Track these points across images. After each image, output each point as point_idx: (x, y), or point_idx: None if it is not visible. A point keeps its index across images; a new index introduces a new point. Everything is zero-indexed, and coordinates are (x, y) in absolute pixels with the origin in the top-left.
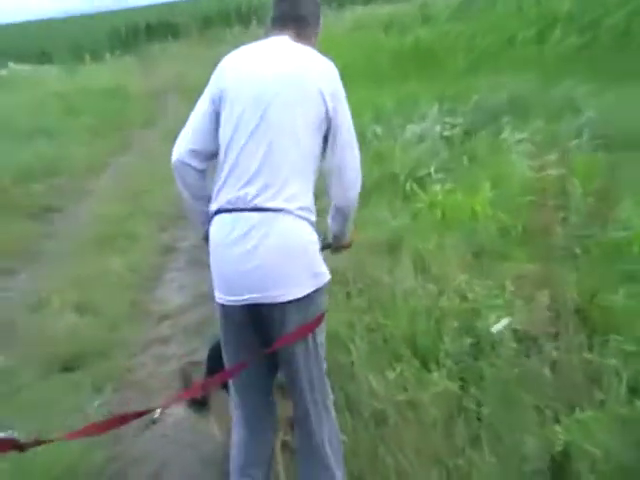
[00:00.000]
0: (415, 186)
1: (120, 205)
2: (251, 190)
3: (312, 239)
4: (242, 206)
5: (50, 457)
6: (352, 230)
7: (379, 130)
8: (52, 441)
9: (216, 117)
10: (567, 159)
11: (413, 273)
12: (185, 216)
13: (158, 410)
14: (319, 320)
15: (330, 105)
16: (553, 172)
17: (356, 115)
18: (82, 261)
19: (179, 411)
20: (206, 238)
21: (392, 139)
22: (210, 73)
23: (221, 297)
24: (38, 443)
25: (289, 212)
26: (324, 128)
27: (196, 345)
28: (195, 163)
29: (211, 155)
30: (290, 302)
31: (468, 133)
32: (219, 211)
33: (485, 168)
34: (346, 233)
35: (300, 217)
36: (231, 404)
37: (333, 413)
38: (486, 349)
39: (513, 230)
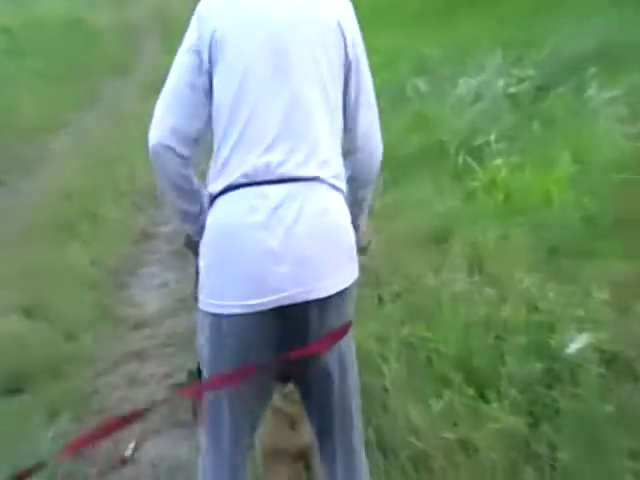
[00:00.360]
0: (469, 159)
1: (82, 177)
2: (274, 157)
3: (342, 208)
4: (264, 178)
5: None
6: (368, 224)
7: (422, 85)
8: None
9: (207, 76)
10: None
11: (466, 273)
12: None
13: (132, 443)
14: (350, 323)
15: (350, 42)
16: None
17: (389, 65)
18: (32, 251)
19: (160, 445)
20: (188, 244)
21: (439, 97)
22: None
23: (228, 304)
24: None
25: (323, 181)
26: (344, 73)
27: (180, 362)
28: (179, 147)
29: (199, 135)
30: (331, 297)
31: (541, 90)
32: (229, 188)
33: (563, 136)
34: (362, 225)
35: (335, 187)
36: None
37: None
38: (563, 375)
39: (602, 219)
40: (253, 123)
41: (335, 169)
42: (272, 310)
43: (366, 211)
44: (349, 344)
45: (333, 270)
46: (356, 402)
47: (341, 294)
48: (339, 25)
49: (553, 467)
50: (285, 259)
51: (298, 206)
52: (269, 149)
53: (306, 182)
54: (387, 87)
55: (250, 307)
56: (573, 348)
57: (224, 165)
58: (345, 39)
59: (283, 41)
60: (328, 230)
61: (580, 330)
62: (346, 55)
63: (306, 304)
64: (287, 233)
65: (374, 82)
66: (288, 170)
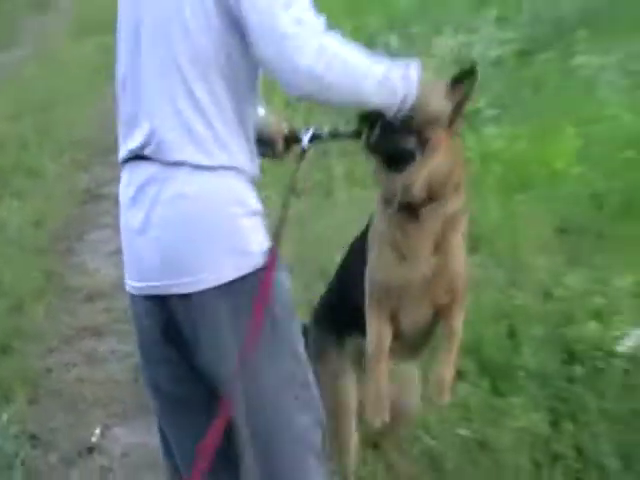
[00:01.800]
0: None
1: (12, 125)
2: (138, 136)
3: (233, 195)
4: (138, 153)
5: None
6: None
7: (394, 41)
8: None
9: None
10: None
11: (469, 254)
12: (115, 148)
13: (97, 430)
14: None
15: None
16: None
17: (356, 16)
18: None
19: (129, 432)
20: None
21: (413, 56)
22: None
23: (127, 282)
24: None
25: (186, 164)
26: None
27: None
28: None
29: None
30: (192, 296)
31: (524, 54)
32: (122, 162)
33: (559, 106)
34: (388, 96)
35: (207, 167)
36: None
37: None
38: (587, 370)
39: (611, 199)
40: (123, 98)
41: (218, 144)
42: (154, 297)
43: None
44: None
45: (194, 264)
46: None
47: (210, 296)
48: None
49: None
50: (148, 243)
51: (157, 190)
52: (134, 127)
53: (171, 167)
54: (354, 42)
55: (134, 289)
56: (624, 345)
57: (120, 138)
58: None
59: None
60: (191, 220)
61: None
62: None
63: (178, 298)
64: (146, 216)
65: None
66: (152, 152)
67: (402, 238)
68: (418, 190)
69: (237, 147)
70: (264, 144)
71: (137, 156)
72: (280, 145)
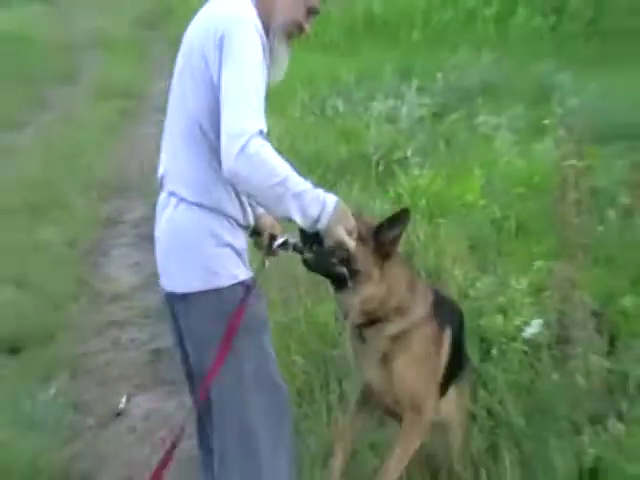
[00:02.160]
0: (394, 168)
1: (47, 169)
2: (161, 168)
3: (198, 225)
4: (160, 182)
5: (7, 456)
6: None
7: (341, 105)
8: None
9: None
10: (582, 151)
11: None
12: (130, 186)
13: (123, 397)
14: (229, 336)
15: (212, 53)
16: (575, 163)
17: (311, 85)
18: (12, 231)
19: (149, 400)
20: None
21: (356, 116)
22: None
23: None
24: None
25: (177, 196)
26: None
27: (158, 329)
28: None
29: None
30: (175, 295)
31: (438, 115)
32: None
33: (467, 154)
34: (296, 211)
35: (190, 203)
36: None
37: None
38: (496, 351)
39: (506, 223)
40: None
41: (193, 182)
42: (166, 292)
43: (268, 207)
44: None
45: (173, 272)
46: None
47: (184, 299)
48: (211, 37)
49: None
50: (157, 251)
51: (161, 212)
52: (161, 161)
53: (168, 195)
54: (310, 105)
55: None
56: (528, 332)
57: None
58: (211, 50)
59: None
60: (170, 240)
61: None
62: (210, 63)
63: (171, 294)
64: (157, 230)
65: (299, 100)
66: (164, 182)
67: (356, 348)
68: (354, 316)
69: (221, 195)
70: (255, 233)
71: (161, 183)
72: (265, 239)
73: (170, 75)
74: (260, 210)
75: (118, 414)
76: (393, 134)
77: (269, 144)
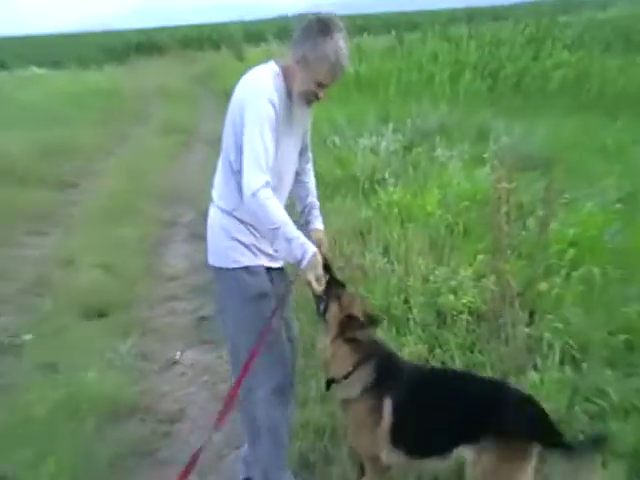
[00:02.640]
0: (375, 186)
1: (125, 184)
2: None
3: (218, 222)
4: None
5: (95, 390)
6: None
7: (337, 140)
8: None
9: None
10: (511, 176)
11: (382, 256)
12: (183, 197)
13: (178, 352)
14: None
15: (237, 112)
16: (505, 185)
17: (316, 127)
18: (99, 228)
19: (195, 354)
20: None
21: (348, 148)
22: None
23: None
24: None
25: (213, 201)
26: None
27: (203, 302)
28: None
29: None
30: (210, 267)
31: (408, 148)
32: None
33: (428, 177)
34: (285, 250)
35: (217, 206)
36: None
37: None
38: (448, 321)
39: (456, 227)
40: None
41: (220, 195)
42: None
43: (266, 238)
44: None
45: (207, 248)
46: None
47: (212, 269)
48: (237, 101)
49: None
50: None
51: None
52: None
53: (212, 200)
54: (315, 140)
55: None
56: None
57: None
58: (237, 110)
59: None
60: (207, 227)
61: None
62: (236, 118)
63: None
64: None
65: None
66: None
67: None
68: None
69: (235, 204)
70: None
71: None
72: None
73: (212, 118)
74: (312, 226)
75: (174, 363)
76: (375, 162)
77: (272, 197)
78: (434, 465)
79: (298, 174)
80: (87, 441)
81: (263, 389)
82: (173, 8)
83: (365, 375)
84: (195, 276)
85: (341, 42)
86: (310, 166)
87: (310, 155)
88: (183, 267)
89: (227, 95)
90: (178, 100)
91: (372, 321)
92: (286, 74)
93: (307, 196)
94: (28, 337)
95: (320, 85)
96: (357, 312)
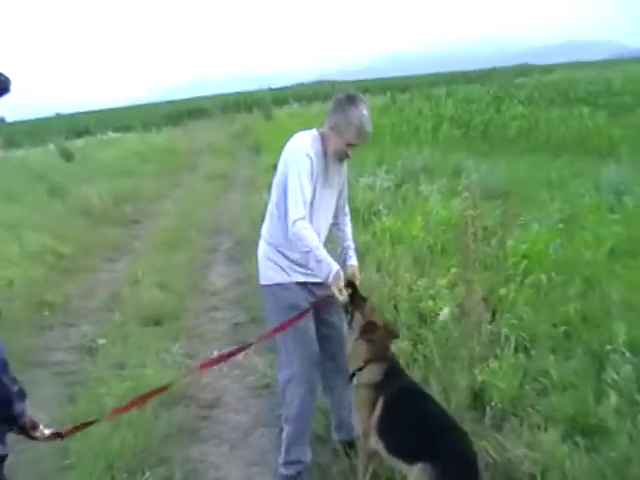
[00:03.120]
0: (372, 216)
1: (178, 220)
2: None
3: (263, 250)
4: None
5: (152, 382)
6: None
7: None
8: (89, 424)
9: None
10: (475, 204)
11: (376, 271)
12: (223, 228)
13: (216, 351)
14: (277, 329)
15: (282, 169)
16: (471, 212)
17: None
18: (158, 255)
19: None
20: None
21: (351, 187)
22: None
23: None
24: (76, 429)
25: (261, 236)
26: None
27: (238, 312)
28: None
29: None
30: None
31: (398, 185)
32: None
33: (413, 208)
34: (316, 269)
35: (263, 237)
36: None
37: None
38: (428, 322)
39: (435, 247)
40: None
41: (266, 232)
42: None
43: (310, 261)
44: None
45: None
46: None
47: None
48: (282, 160)
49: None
50: None
51: None
52: None
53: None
54: None
55: None
56: (442, 316)
57: None
58: (281, 167)
59: None
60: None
61: (438, 303)
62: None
63: None
64: None
65: None
66: None
67: None
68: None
69: (277, 238)
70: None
71: None
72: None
73: (246, 166)
74: (348, 262)
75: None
76: (372, 196)
77: (308, 227)
78: (400, 468)
79: (338, 223)
80: (146, 423)
81: (283, 374)
82: (215, 80)
83: (373, 372)
84: (232, 291)
85: (364, 111)
86: (348, 217)
87: (347, 208)
88: (222, 284)
89: (257, 148)
90: (220, 153)
91: (390, 333)
92: (323, 138)
93: (345, 240)
94: (102, 341)
95: (349, 145)
96: (376, 320)
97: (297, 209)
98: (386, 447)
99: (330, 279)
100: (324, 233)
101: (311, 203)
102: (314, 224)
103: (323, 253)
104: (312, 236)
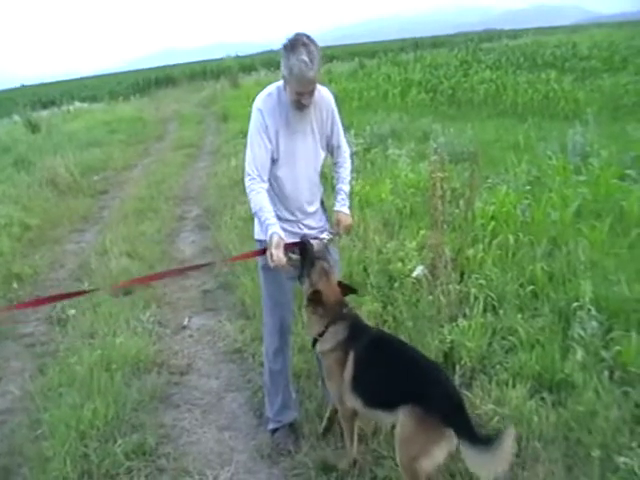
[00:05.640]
0: None
1: (146, 190)
2: None
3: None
4: None
5: (123, 350)
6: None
7: None
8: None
9: None
10: (443, 167)
11: (345, 235)
12: (191, 196)
13: (186, 318)
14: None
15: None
16: (440, 174)
17: None
18: (126, 225)
19: (200, 320)
20: None
21: None
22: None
23: None
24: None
25: None
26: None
27: (206, 279)
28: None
29: None
30: None
31: (367, 149)
32: None
33: (382, 171)
34: (263, 230)
35: None
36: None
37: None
38: (397, 283)
39: (404, 210)
40: None
41: None
42: None
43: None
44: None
45: None
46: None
47: None
48: None
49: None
50: None
51: None
52: None
53: None
54: None
55: None
56: (415, 273)
57: None
58: None
59: None
60: None
61: (406, 264)
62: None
63: None
64: None
65: None
66: None
67: None
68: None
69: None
70: None
71: None
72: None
73: (213, 134)
74: (335, 208)
75: (183, 327)
76: None
77: (256, 188)
78: (382, 418)
79: (336, 162)
80: (117, 391)
81: (264, 327)
82: (183, 50)
83: (337, 332)
84: (200, 258)
85: (304, 56)
86: (342, 160)
87: (343, 151)
88: (191, 252)
89: (225, 116)
90: (188, 122)
91: (347, 289)
92: (285, 88)
93: (338, 183)
94: (72, 312)
95: (299, 94)
96: (325, 286)
97: (247, 169)
98: (364, 402)
99: (268, 240)
100: (308, 177)
101: (284, 151)
102: (290, 170)
103: (265, 215)
104: (257, 198)
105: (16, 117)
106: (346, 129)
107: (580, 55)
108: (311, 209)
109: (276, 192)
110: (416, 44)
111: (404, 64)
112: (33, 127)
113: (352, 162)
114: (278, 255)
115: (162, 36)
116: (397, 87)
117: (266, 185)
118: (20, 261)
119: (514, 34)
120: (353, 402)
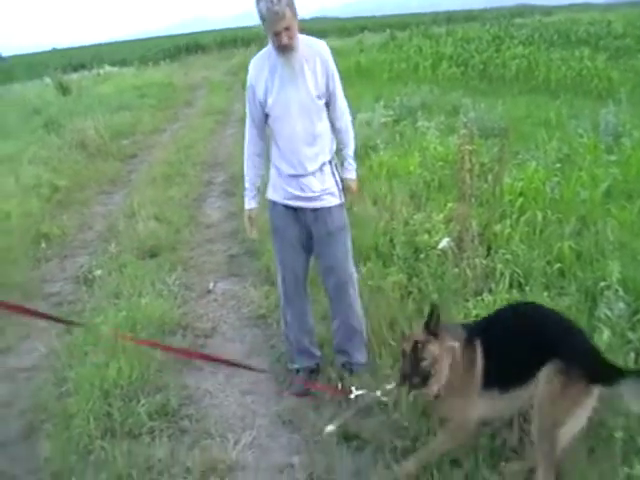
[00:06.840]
0: (369, 151)
1: (175, 155)
2: None
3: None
4: None
5: (148, 312)
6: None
7: None
8: None
9: None
10: (472, 140)
11: (372, 205)
12: (219, 162)
13: (212, 283)
14: None
15: None
16: (468, 147)
17: None
18: (154, 189)
19: (226, 284)
20: None
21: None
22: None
23: None
24: None
25: None
26: None
27: (232, 244)
28: None
29: None
30: None
31: (396, 121)
32: None
33: (411, 143)
34: None
35: None
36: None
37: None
38: (423, 255)
39: (432, 182)
40: None
41: None
42: None
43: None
44: None
45: None
46: None
47: None
48: None
49: (421, 300)
50: None
51: None
52: None
53: None
54: None
55: None
56: (441, 245)
57: None
58: None
59: None
60: None
61: (433, 236)
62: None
63: None
64: None
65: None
66: None
67: None
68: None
69: (271, 151)
70: None
71: None
72: None
73: (241, 101)
74: (343, 176)
75: (208, 291)
76: (369, 132)
77: (247, 154)
78: (518, 398)
79: (337, 128)
80: (141, 352)
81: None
82: (214, 18)
83: (451, 338)
84: (226, 224)
85: None
86: (340, 115)
87: (340, 106)
88: (217, 217)
89: None
90: (217, 88)
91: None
92: None
93: (341, 150)
94: (98, 272)
95: (276, 34)
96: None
97: (246, 132)
98: (500, 388)
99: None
100: (304, 128)
101: (277, 104)
102: (286, 121)
103: (246, 184)
104: (246, 164)
105: (47, 79)
106: (375, 100)
107: (614, 33)
108: (312, 166)
109: (278, 145)
110: (448, 18)
111: (436, 37)
112: (64, 89)
113: (352, 125)
114: (250, 230)
115: (193, 4)
116: (428, 60)
117: (261, 143)
118: (49, 222)
119: (547, 10)
120: (485, 402)
